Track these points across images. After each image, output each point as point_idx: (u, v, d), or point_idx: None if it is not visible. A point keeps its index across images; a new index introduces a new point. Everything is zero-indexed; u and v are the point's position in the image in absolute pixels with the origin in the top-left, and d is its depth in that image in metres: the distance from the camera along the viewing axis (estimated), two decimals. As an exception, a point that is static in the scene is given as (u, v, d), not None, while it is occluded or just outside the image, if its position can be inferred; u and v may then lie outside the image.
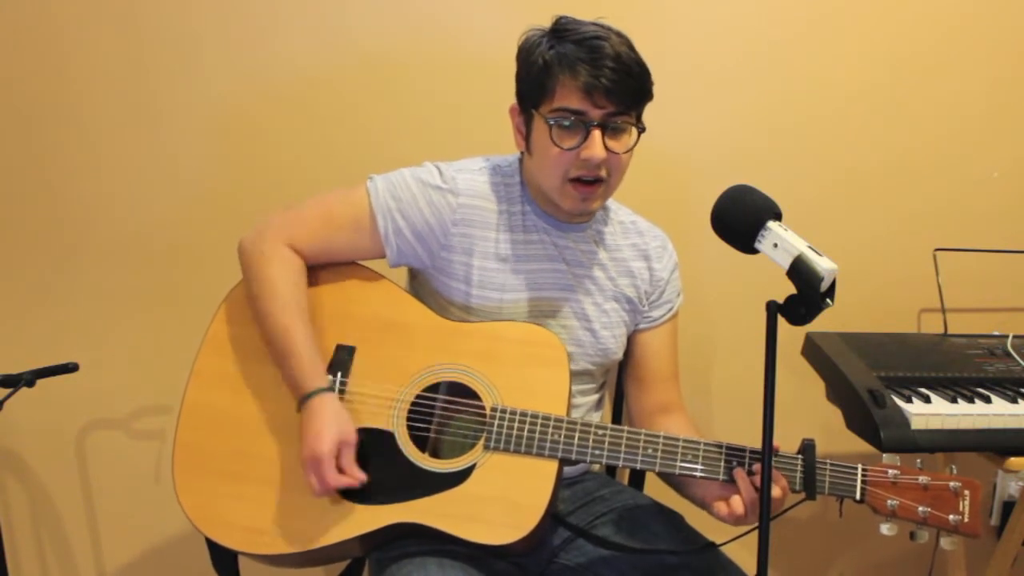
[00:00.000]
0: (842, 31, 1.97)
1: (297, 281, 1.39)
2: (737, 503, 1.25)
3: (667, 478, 1.44)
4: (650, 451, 1.30)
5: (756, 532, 1.11)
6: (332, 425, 1.28)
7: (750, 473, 1.27)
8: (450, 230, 1.41)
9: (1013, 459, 1.52)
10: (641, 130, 1.36)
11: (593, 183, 1.36)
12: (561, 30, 1.34)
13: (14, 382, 1.61)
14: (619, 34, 1.34)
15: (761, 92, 1.97)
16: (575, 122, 1.32)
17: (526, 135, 1.40)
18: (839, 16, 1.96)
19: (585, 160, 1.32)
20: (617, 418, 1.85)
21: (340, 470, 1.28)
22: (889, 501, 1.24)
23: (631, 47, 1.33)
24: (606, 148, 1.32)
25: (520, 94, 1.40)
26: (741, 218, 1.14)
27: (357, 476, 1.28)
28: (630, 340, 1.55)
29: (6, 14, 1.82)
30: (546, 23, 1.37)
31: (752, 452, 1.28)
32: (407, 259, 1.44)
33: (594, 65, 1.28)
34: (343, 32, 1.88)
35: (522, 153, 1.44)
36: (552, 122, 1.32)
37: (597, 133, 1.31)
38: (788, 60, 1.96)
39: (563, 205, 1.39)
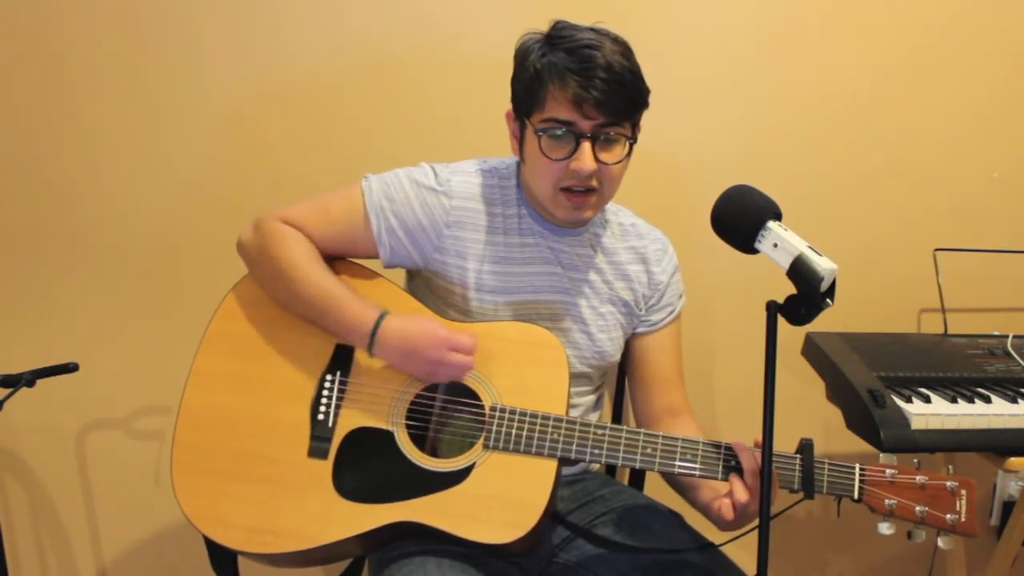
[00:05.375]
0: (842, 31, 1.97)
1: (310, 246, 1.40)
2: (740, 488, 1.23)
3: (674, 483, 1.45)
4: (649, 450, 1.29)
5: (755, 532, 1.11)
6: (417, 334, 1.32)
7: None
8: (443, 232, 1.42)
9: (1013, 459, 1.52)
10: (632, 142, 1.35)
11: (585, 193, 1.35)
12: (556, 37, 1.33)
13: (14, 382, 1.61)
14: (616, 40, 1.32)
15: (761, 92, 1.97)
16: (565, 133, 1.31)
17: (520, 141, 1.40)
18: (839, 17, 1.96)
19: (575, 171, 1.32)
20: (616, 418, 1.85)
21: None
22: (887, 500, 1.24)
23: (626, 55, 1.31)
24: (597, 159, 1.31)
25: (514, 100, 1.39)
26: (741, 218, 1.14)
27: (470, 355, 1.32)
28: (633, 344, 1.55)
29: (6, 14, 1.82)
30: (546, 25, 1.36)
31: (751, 451, 1.28)
32: (400, 259, 1.44)
33: (584, 76, 1.27)
34: (343, 33, 1.88)
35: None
36: (541, 132, 1.32)
37: (587, 145, 1.31)
38: (788, 61, 1.96)
39: (556, 214, 1.39)
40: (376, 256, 1.44)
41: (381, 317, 1.34)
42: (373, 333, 1.33)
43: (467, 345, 1.32)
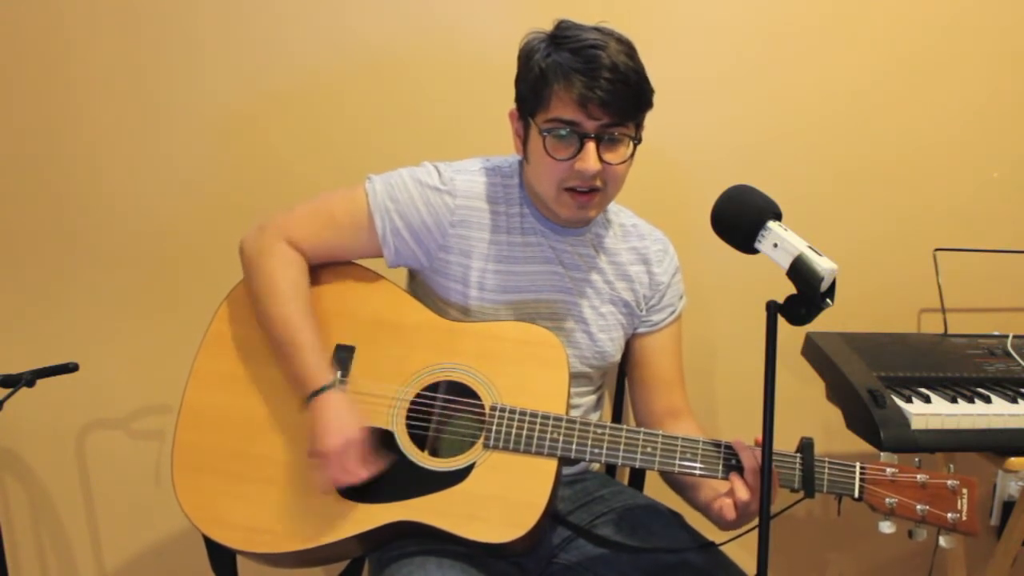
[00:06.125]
0: (842, 31, 1.97)
1: (298, 277, 1.39)
2: (741, 487, 1.24)
3: (673, 483, 1.45)
4: (649, 449, 1.30)
5: (756, 531, 1.11)
6: (338, 422, 1.28)
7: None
8: (448, 231, 1.41)
9: (1013, 459, 1.52)
10: (637, 142, 1.35)
11: (588, 193, 1.35)
12: (560, 36, 1.32)
13: (14, 382, 1.61)
14: (620, 40, 1.32)
15: (761, 92, 1.97)
16: (570, 133, 1.31)
17: (524, 141, 1.39)
18: (839, 17, 1.96)
19: (579, 171, 1.32)
20: (617, 418, 1.85)
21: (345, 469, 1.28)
22: (888, 499, 1.24)
23: (631, 55, 1.31)
24: (601, 160, 1.31)
25: (518, 100, 1.39)
26: (741, 218, 1.14)
27: (358, 475, 1.27)
28: (634, 344, 1.54)
29: (6, 14, 1.82)
30: (549, 25, 1.36)
31: (751, 449, 1.28)
32: (405, 260, 1.44)
33: (589, 76, 1.27)
34: (343, 33, 1.88)
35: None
36: (546, 132, 1.32)
37: (591, 145, 1.30)
38: (788, 61, 1.96)
39: (560, 213, 1.39)
40: (380, 256, 1.44)
41: (329, 386, 1.31)
42: (315, 394, 1.31)
43: (350, 471, 1.27)
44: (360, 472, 1.27)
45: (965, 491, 1.23)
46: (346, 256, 1.46)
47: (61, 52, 1.84)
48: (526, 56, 1.35)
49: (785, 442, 1.24)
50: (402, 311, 1.42)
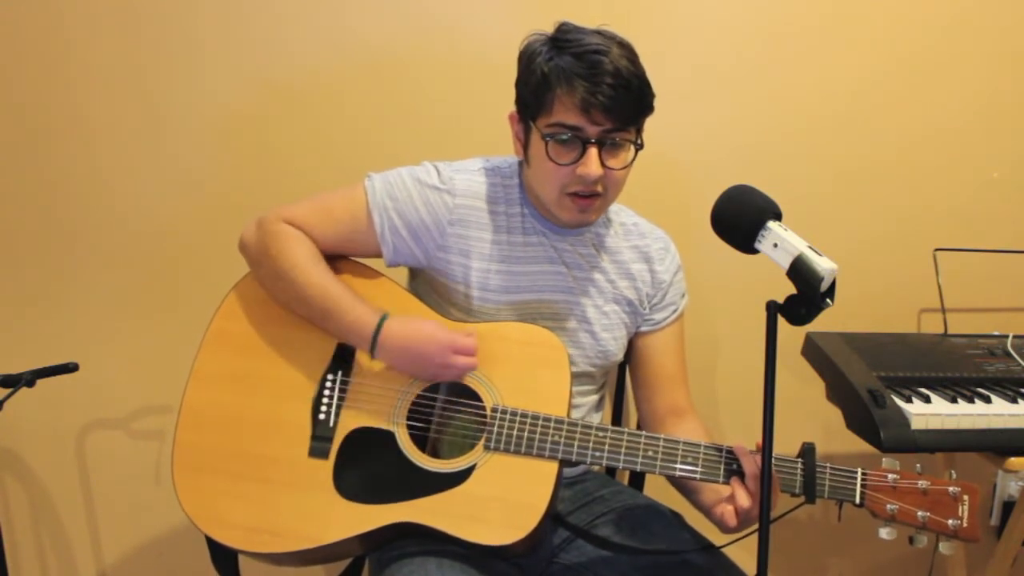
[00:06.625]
0: (842, 31, 1.97)
1: (313, 250, 1.40)
2: (742, 494, 1.24)
3: (677, 484, 1.45)
4: (650, 453, 1.29)
5: (756, 534, 1.11)
6: (418, 335, 1.33)
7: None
8: (447, 231, 1.41)
9: (1013, 459, 1.52)
10: (639, 147, 1.35)
11: (589, 197, 1.35)
12: (561, 40, 1.32)
13: (14, 382, 1.61)
14: (622, 44, 1.31)
15: (761, 92, 1.97)
16: (572, 138, 1.31)
17: (525, 144, 1.39)
18: (839, 16, 1.96)
19: (581, 176, 1.32)
20: (617, 418, 1.85)
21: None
22: (888, 505, 1.23)
23: (632, 59, 1.31)
24: (603, 165, 1.31)
25: (519, 103, 1.38)
26: (741, 218, 1.14)
27: (471, 350, 1.33)
28: (636, 343, 1.54)
29: (6, 14, 1.82)
30: (549, 26, 1.35)
31: (752, 455, 1.28)
32: (403, 258, 1.44)
33: (592, 81, 1.27)
34: (343, 33, 1.88)
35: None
36: (548, 137, 1.31)
37: (593, 150, 1.30)
38: (788, 60, 1.96)
39: (561, 217, 1.39)
40: (379, 255, 1.44)
41: (382, 320, 1.34)
42: (375, 337, 1.33)
43: (470, 347, 1.33)
44: (472, 353, 1.33)
45: (966, 498, 1.23)
46: (344, 251, 1.45)
47: (61, 52, 1.84)
48: (527, 59, 1.35)
49: (785, 442, 1.24)
50: (404, 310, 1.41)
